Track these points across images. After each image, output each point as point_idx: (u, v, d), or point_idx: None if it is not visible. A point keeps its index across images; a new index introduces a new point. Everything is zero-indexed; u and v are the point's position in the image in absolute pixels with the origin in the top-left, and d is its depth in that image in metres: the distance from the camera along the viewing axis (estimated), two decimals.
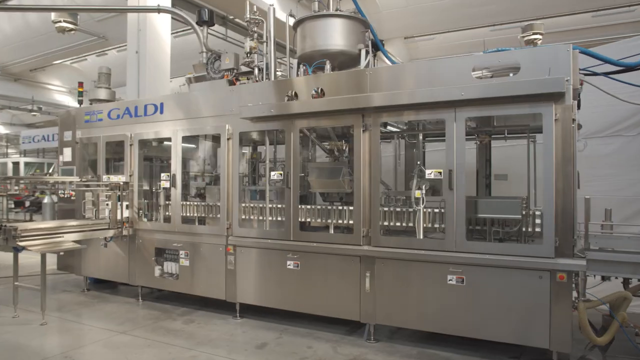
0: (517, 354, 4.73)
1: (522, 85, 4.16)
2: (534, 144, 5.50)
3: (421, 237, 4.92)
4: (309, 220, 5.63)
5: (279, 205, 5.73)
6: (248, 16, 5.98)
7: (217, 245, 6.03)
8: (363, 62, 5.66)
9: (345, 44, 5.71)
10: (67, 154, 7.54)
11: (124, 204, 6.74)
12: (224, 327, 5.66)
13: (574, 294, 4.40)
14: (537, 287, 4.25)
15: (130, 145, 6.82)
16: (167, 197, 6.86)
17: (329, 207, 5.47)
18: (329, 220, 5.48)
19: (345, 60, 5.84)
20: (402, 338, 5.22)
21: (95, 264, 7.17)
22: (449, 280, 4.62)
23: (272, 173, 5.64)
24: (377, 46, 5.87)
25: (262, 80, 5.92)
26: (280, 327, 5.58)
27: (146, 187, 7.14)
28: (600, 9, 13.50)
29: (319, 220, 5.57)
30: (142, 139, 6.76)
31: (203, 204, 6.42)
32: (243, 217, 5.97)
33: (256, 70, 5.91)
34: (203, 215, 6.43)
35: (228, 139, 5.94)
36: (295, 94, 5.49)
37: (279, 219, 5.72)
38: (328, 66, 5.56)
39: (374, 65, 6.03)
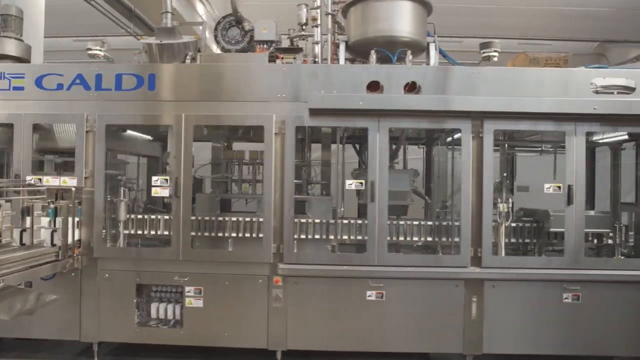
0: None
1: None
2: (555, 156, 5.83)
3: (503, 254, 4.64)
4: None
5: (360, 221, 4.59)
6: None
7: (255, 276, 4.47)
8: (432, 59, 4.99)
9: (415, 32, 4.90)
10: None
11: (75, 220, 4.40)
12: None
13: None
14: None
15: (88, 132, 4.51)
16: (131, 210, 4.85)
17: (436, 223, 4.73)
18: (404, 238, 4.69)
19: None
20: None
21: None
22: (564, 298, 4.44)
23: (349, 182, 4.47)
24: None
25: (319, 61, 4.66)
26: None
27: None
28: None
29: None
30: (112, 123, 4.54)
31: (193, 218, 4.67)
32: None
33: (317, 49, 4.61)
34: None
35: (276, 134, 4.47)
36: (377, 85, 4.48)
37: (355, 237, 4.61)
38: (410, 57, 4.71)
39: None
